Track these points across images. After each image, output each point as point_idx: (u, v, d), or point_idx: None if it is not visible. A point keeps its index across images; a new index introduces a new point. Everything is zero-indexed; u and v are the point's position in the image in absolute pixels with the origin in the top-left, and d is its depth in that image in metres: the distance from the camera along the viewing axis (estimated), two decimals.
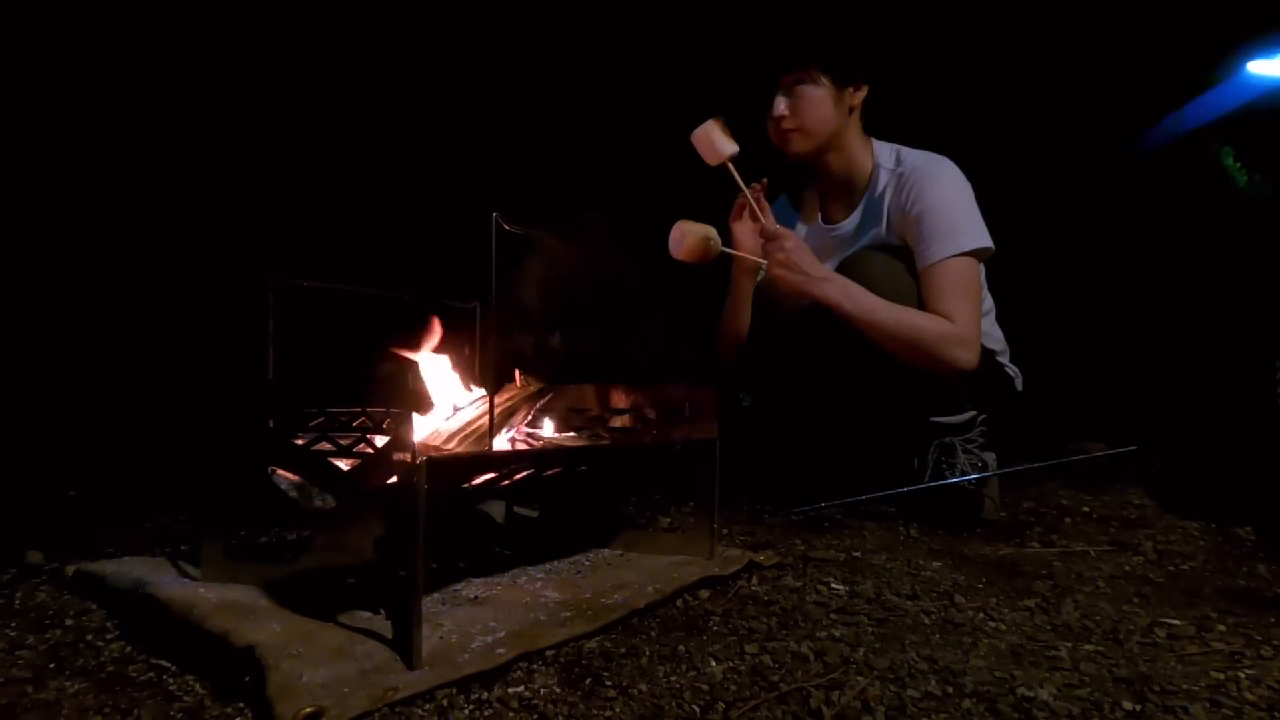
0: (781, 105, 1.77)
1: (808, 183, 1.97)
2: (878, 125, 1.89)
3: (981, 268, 1.74)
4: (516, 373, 1.29)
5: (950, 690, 0.86)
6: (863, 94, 1.80)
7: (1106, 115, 2.89)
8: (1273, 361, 2.16)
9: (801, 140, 1.78)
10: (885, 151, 1.84)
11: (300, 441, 1.03)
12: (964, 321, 1.62)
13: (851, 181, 1.85)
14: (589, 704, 0.82)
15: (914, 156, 1.79)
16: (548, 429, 1.35)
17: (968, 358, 1.62)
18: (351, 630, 0.95)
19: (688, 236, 1.60)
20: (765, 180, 1.77)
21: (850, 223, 1.85)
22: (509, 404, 1.22)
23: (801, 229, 1.98)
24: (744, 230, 1.81)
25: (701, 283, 2.02)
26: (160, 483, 1.80)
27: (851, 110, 1.79)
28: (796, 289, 1.64)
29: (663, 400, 1.36)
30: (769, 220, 1.73)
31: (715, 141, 1.65)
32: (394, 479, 0.93)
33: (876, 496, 1.72)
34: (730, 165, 1.67)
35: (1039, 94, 2.85)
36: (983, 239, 1.67)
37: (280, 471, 1.07)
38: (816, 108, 1.76)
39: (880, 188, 1.80)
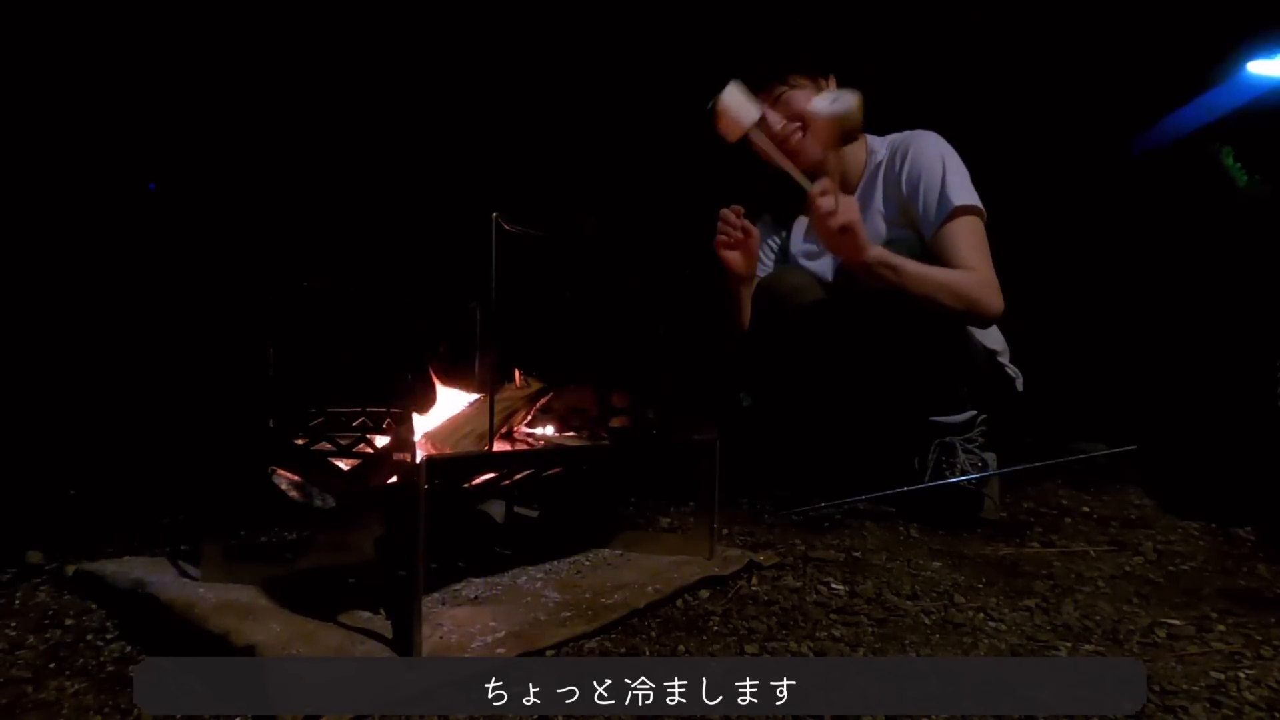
0: (777, 119, 1.78)
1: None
2: (878, 124, 1.90)
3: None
4: (516, 373, 1.29)
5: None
6: (832, 85, 1.82)
7: (1106, 115, 2.90)
8: (1273, 361, 2.16)
9: (809, 143, 1.78)
10: (875, 140, 1.89)
11: (300, 441, 1.03)
12: (988, 270, 1.66)
13: (846, 174, 1.87)
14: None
15: (901, 136, 1.85)
16: (548, 429, 1.35)
17: (1000, 303, 1.65)
18: (351, 630, 0.95)
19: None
20: (740, 207, 1.77)
21: None
22: (509, 404, 1.22)
23: (801, 223, 1.99)
24: (734, 257, 1.80)
25: (699, 279, 2.02)
26: (160, 483, 1.80)
27: None
28: (849, 254, 1.58)
29: (663, 400, 1.36)
30: (820, 185, 1.58)
31: (741, 107, 1.57)
32: (394, 479, 0.93)
33: (876, 496, 1.72)
34: (752, 137, 1.61)
35: (1039, 94, 2.86)
36: (977, 199, 1.71)
37: (280, 471, 1.07)
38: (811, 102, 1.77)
39: (873, 167, 1.84)
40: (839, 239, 1.55)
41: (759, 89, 1.77)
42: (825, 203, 1.53)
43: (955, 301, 1.62)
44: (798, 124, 1.78)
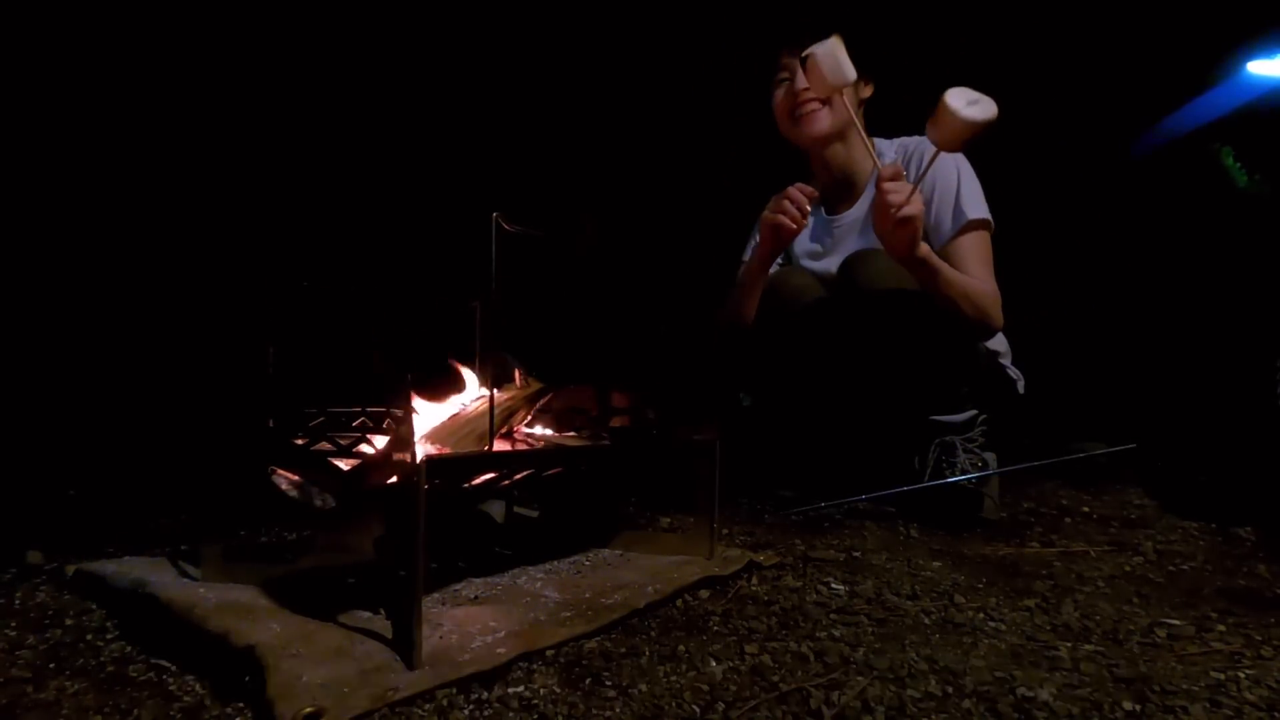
0: (805, 79, 1.76)
1: (808, 178, 1.97)
2: (878, 124, 1.90)
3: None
4: (516, 373, 1.29)
5: (950, 690, 0.86)
6: (869, 91, 1.82)
7: (1106, 115, 2.90)
8: (1273, 361, 2.16)
9: (825, 117, 1.77)
10: (884, 144, 1.88)
11: (300, 441, 1.03)
12: (995, 285, 1.70)
13: (852, 174, 1.87)
14: (589, 704, 0.82)
15: (914, 140, 1.84)
16: (548, 429, 1.35)
17: (1001, 318, 1.70)
18: (351, 630, 0.95)
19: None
20: (814, 191, 1.70)
21: (855, 211, 1.87)
22: (509, 404, 1.22)
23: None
24: (780, 230, 1.70)
25: (699, 280, 2.02)
26: (160, 483, 1.80)
27: (860, 104, 1.81)
28: (902, 247, 1.53)
29: (662, 400, 1.36)
30: (889, 166, 1.54)
31: (843, 62, 1.49)
32: (394, 479, 0.93)
33: (876, 496, 1.72)
34: (839, 98, 1.58)
35: (1039, 94, 2.85)
36: (988, 211, 1.72)
37: (280, 471, 1.07)
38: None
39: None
40: (897, 228, 1.50)
41: (801, 49, 1.74)
42: (895, 190, 1.48)
43: (972, 310, 1.64)
44: (819, 95, 1.75)
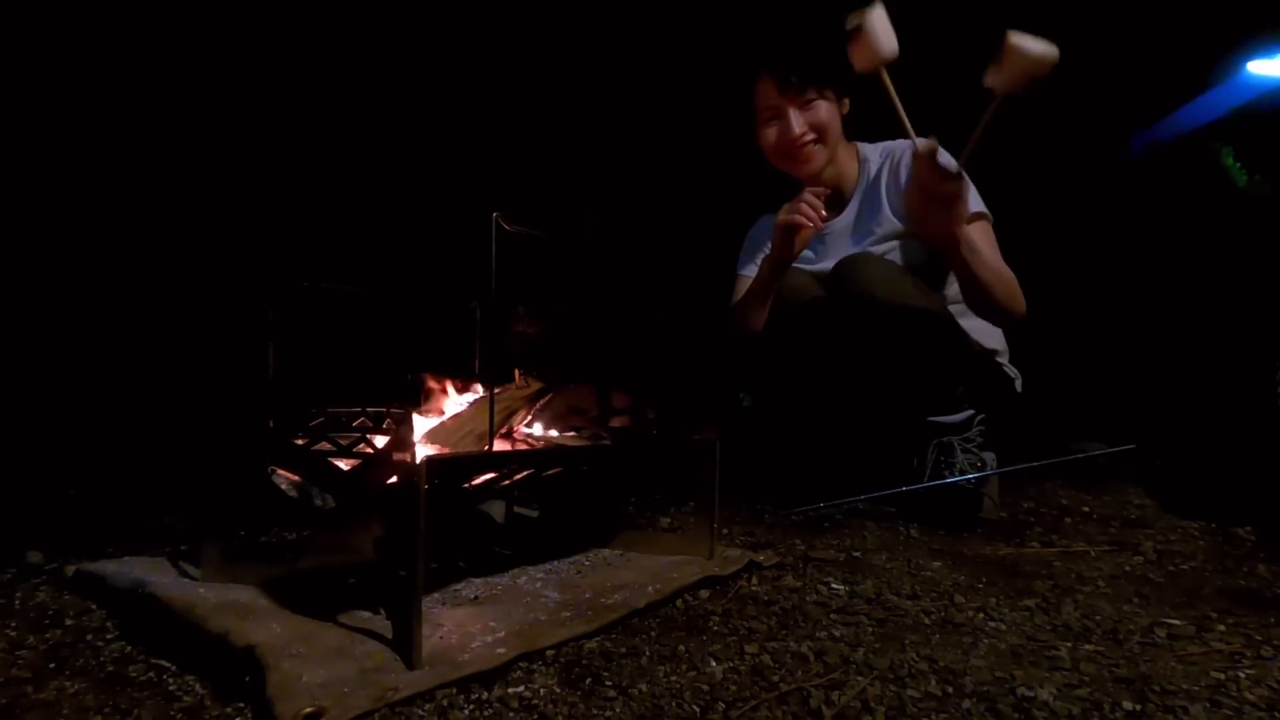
0: (800, 123, 1.79)
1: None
2: (873, 127, 1.90)
3: None
4: (516, 373, 1.29)
5: (950, 690, 0.86)
6: (847, 108, 1.86)
7: (1105, 115, 2.89)
8: (1273, 361, 2.16)
9: (821, 153, 1.81)
10: (868, 148, 1.90)
11: (300, 441, 1.03)
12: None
13: (840, 183, 1.88)
14: (589, 704, 0.82)
15: (899, 143, 1.85)
16: (548, 429, 1.35)
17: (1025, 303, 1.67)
18: (351, 630, 0.95)
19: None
20: (827, 191, 1.70)
21: (847, 216, 1.89)
22: (509, 404, 1.22)
23: None
24: (796, 228, 1.68)
25: (701, 279, 2.02)
26: (160, 483, 1.80)
27: (843, 119, 1.84)
28: (952, 222, 1.46)
29: (663, 400, 1.36)
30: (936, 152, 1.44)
31: (885, 34, 1.39)
32: (394, 479, 0.93)
33: (876, 496, 1.72)
34: (884, 72, 1.43)
35: (1038, 94, 2.85)
36: (983, 204, 1.72)
37: (280, 471, 1.07)
38: (832, 120, 1.81)
39: (872, 175, 1.85)
40: (939, 206, 1.43)
41: (793, 91, 1.78)
42: (946, 159, 1.41)
43: (1004, 293, 1.60)
44: (814, 135, 1.80)
